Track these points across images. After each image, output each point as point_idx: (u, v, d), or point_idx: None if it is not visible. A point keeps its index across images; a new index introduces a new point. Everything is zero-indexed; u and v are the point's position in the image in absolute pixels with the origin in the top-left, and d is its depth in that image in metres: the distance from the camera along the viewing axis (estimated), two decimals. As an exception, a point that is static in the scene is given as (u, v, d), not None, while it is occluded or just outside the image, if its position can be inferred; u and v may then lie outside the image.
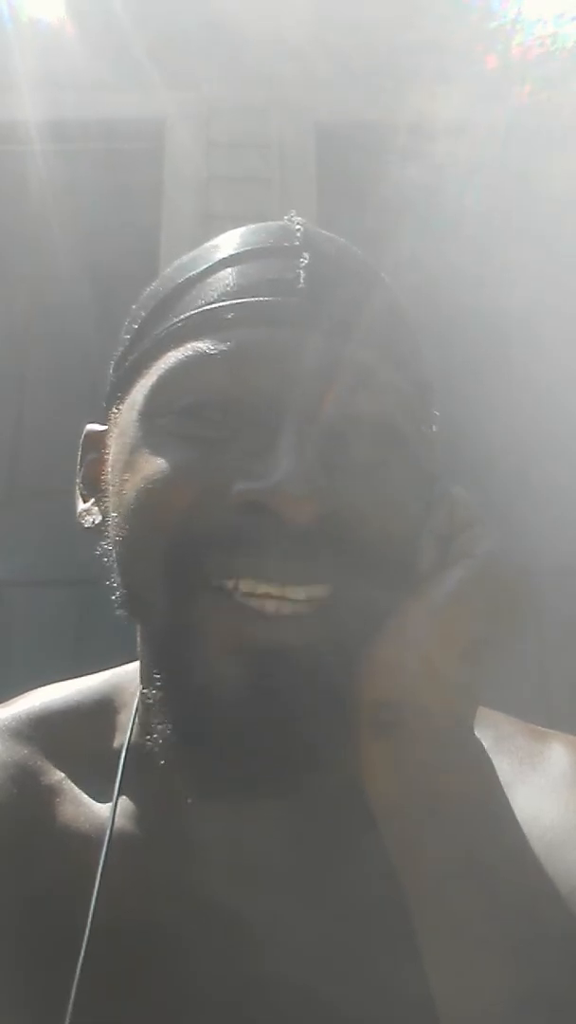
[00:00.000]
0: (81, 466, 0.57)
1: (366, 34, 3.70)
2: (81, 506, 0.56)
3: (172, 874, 0.52)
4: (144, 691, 0.54)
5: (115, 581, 0.51)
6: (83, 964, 0.48)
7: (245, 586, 0.45)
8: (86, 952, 0.48)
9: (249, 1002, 0.49)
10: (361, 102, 3.88)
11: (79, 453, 0.58)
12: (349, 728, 0.45)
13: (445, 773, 0.45)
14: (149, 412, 0.49)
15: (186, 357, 0.48)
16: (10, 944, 0.50)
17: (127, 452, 0.49)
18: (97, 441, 0.56)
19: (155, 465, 0.47)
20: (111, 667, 0.64)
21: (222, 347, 0.47)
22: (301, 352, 0.46)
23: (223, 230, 0.54)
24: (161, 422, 0.48)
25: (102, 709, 0.60)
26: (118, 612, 0.51)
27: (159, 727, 0.47)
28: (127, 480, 0.49)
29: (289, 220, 0.53)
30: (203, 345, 0.47)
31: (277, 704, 0.44)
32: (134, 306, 0.55)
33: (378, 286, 0.53)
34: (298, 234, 0.51)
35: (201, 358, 0.47)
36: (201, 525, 0.45)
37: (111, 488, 0.51)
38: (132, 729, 0.57)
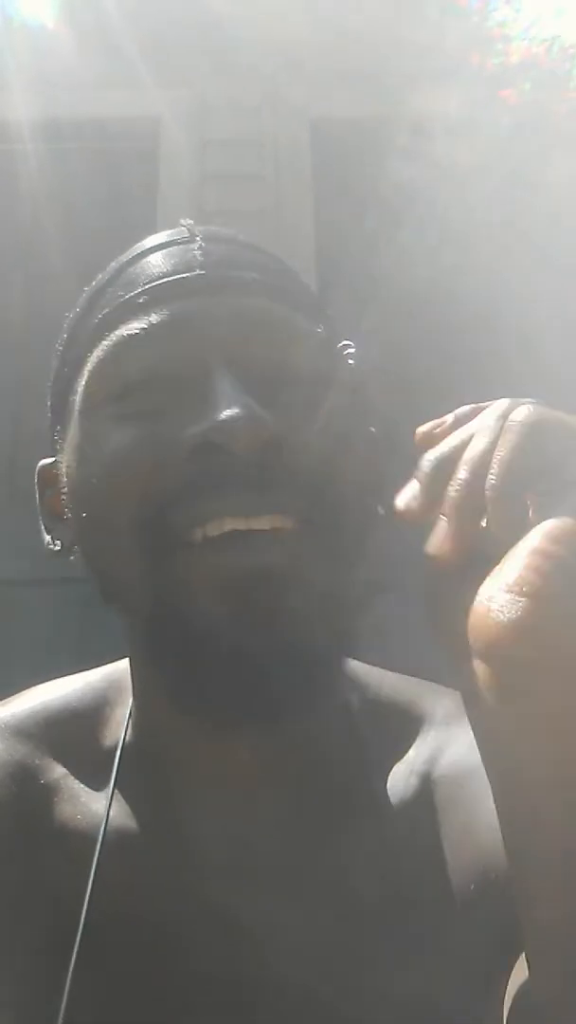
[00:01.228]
0: (41, 502, 0.58)
1: (360, 32, 3.70)
2: (47, 539, 0.57)
3: (167, 869, 0.52)
4: (135, 678, 0.54)
5: (92, 573, 0.52)
6: (77, 959, 0.48)
7: (212, 529, 0.46)
8: (80, 948, 0.49)
9: (244, 997, 0.49)
10: (356, 100, 3.87)
11: (36, 491, 0.59)
12: (334, 649, 0.47)
13: None
14: (88, 407, 0.51)
15: (111, 344, 0.50)
16: (8, 940, 0.50)
17: (76, 451, 0.51)
18: (51, 475, 0.57)
19: (105, 449, 0.49)
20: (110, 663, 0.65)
21: (142, 325, 0.50)
22: (213, 314, 0.50)
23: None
24: (101, 413, 0.50)
25: (100, 705, 0.60)
26: (104, 605, 0.52)
27: (158, 682, 0.49)
28: (82, 474, 0.50)
29: (181, 224, 0.57)
30: (123, 330, 0.50)
31: (270, 622, 0.45)
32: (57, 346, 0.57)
33: (267, 253, 0.57)
34: (188, 227, 0.55)
35: (124, 341, 0.50)
36: (161, 485, 0.47)
37: (71, 489, 0.52)
38: (128, 725, 0.57)
